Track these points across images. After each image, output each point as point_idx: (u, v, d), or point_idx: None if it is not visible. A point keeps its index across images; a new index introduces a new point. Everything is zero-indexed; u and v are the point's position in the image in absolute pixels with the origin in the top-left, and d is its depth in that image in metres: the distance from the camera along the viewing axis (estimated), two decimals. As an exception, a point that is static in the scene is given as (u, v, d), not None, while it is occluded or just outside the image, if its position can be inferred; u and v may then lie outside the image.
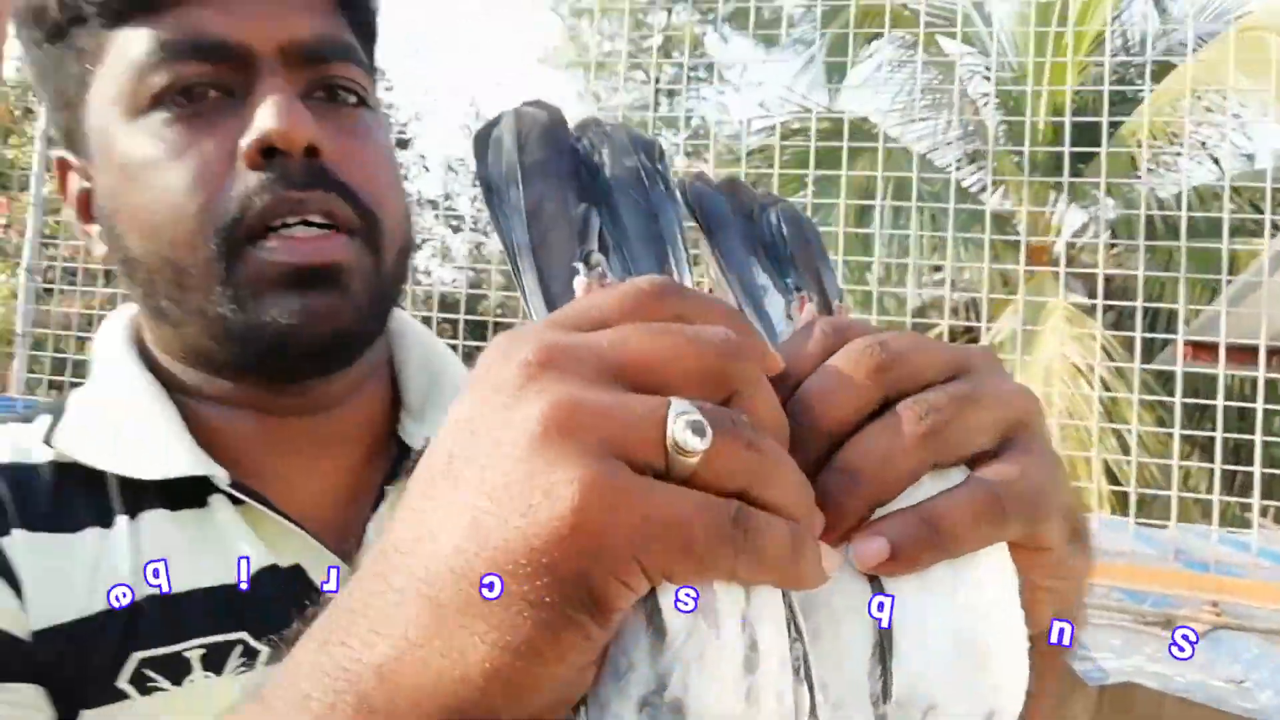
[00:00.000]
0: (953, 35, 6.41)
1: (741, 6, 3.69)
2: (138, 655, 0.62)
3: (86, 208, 0.72)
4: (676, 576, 0.32)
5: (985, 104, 6.92)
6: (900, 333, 0.40)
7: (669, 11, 6.02)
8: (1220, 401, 1.97)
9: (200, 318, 0.67)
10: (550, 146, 0.46)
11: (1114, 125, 5.60)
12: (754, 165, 5.46)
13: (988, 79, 7.05)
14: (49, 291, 3.66)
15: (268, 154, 0.64)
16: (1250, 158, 7.81)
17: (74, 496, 0.67)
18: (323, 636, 0.35)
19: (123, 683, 0.62)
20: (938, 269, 5.89)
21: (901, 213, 4.51)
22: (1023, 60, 7.25)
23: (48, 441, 0.69)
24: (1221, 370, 1.96)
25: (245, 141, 0.64)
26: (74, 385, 2.95)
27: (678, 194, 0.48)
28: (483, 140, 0.46)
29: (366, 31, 0.75)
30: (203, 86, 0.66)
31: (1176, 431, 2.09)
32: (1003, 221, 7.12)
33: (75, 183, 0.73)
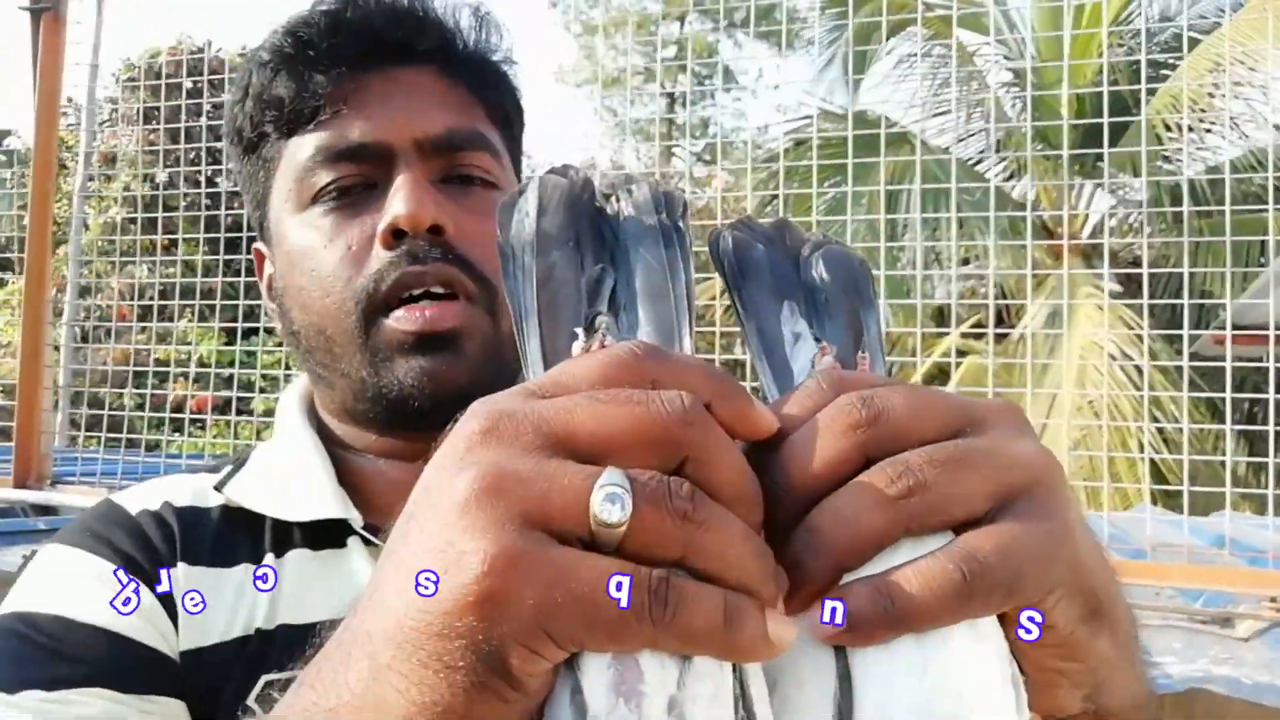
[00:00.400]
0: (970, 25, 6.35)
1: (756, 5, 3.68)
2: (265, 677, 0.71)
3: (271, 288, 0.86)
4: (589, 647, 0.33)
5: (1007, 92, 6.85)
6: (900, 385, 0.39)
7: (681, 21, 6.01)
8: (1272, 395, 1.92)
9: (346, 379, 0.79)
10: (570, 212, 0.46)
11: (1137, 105, 5.51)
12: (772, 171, 5.45)
13: (1008, 68, 6.98)
14: (85, 342, 3.73)
15: (398, 235, 0.75)
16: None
17: (235, 536, 0.77)
18: (300, 678, 0.38)
19: (251, 701, 0.70)
20: (966, 261, 5.84)
21: (927, 205, 4.49)
22: (1040, 40, 7.17)
23: (219, 488, 0.80)
24: (1273, 362, 1.90)
25: (380, 226, 0.76)
26: (114, 436, 2.96)
27: (691, 253, 0.48)
28: (507, 210, 0.47)
29: (504, 119, 0.86)
30: (351, 181, 0.78)
31: (1229, 427, 2.03)
32: (1028, 211, 7.04)
33: (266, 268, 0.87)
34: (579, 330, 0.43)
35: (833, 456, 0.37)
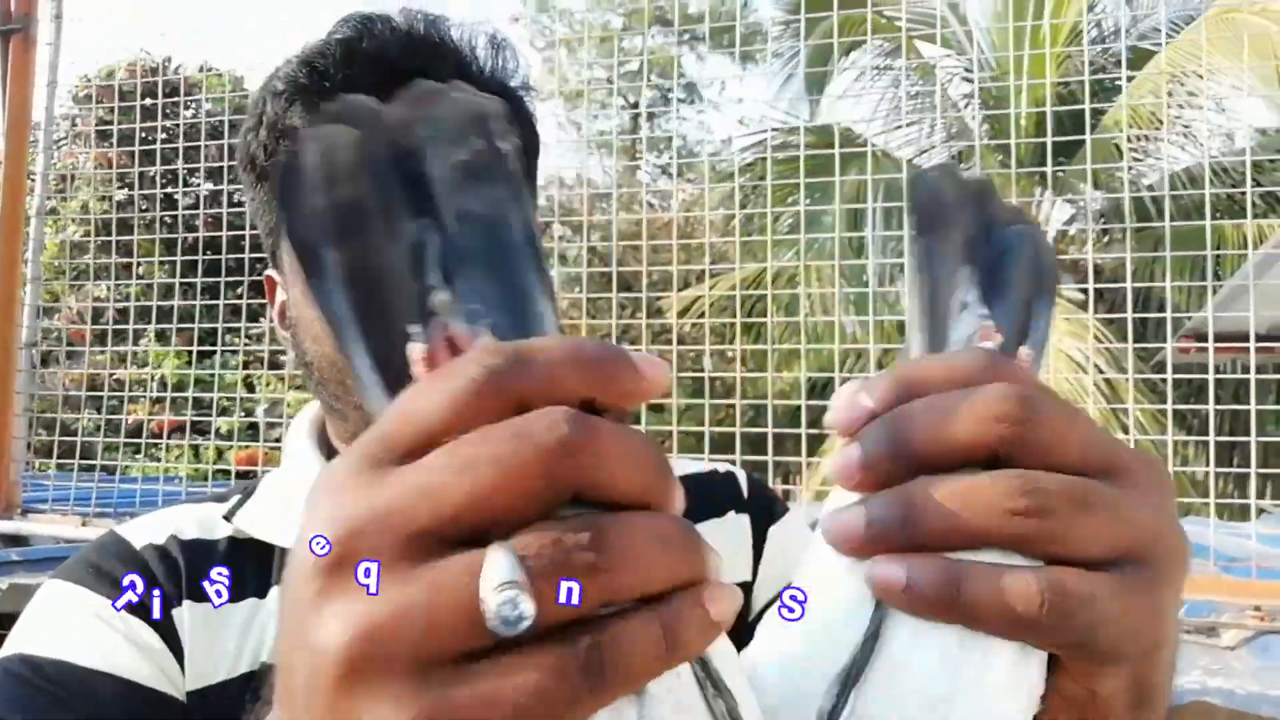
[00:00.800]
0: (931, 39, 6.43)
1: (717, 25, 3.71)
2: None
3: (284, 317, 0.86)
4: None
5: (967, 105, 6.95)
6: (1058, 399, 0.36)
7: (644, 36, 6.03)
8: (1253, 405, 1.95)
9: (359, 411, 0.78)
10: (368, 171, 0.35)
11: (1095, 117, 5.61)
12: (739, 184, 5.49)
13: (968, 80, 7.07)
14: (44, 364, 3.64)
15: None
16: (1230, 137, 7.83)
17: (243, 569, 0.76)
18: None
19: None
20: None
21: (893, 220, 4.54)
22: (1000, 56, 7.29)
23: (228, 518, 0.79)
24: (1254, 373, 1.94)
25: None
26: (77, 461, 2.89)
27: (524, 184, 0.38)
28: (290, 184, 0.35)
29: (524, 149, 0.85)
30: None
31: (1212, 438, 2.07)
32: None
33: (278, 296, 0.87)
34: (414, 327, 0.35)
35: (968, 438, 0.34)
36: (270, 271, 0.89)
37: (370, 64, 0.79)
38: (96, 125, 4.12)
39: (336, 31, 0.81)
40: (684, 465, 0.89)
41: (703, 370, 3.73)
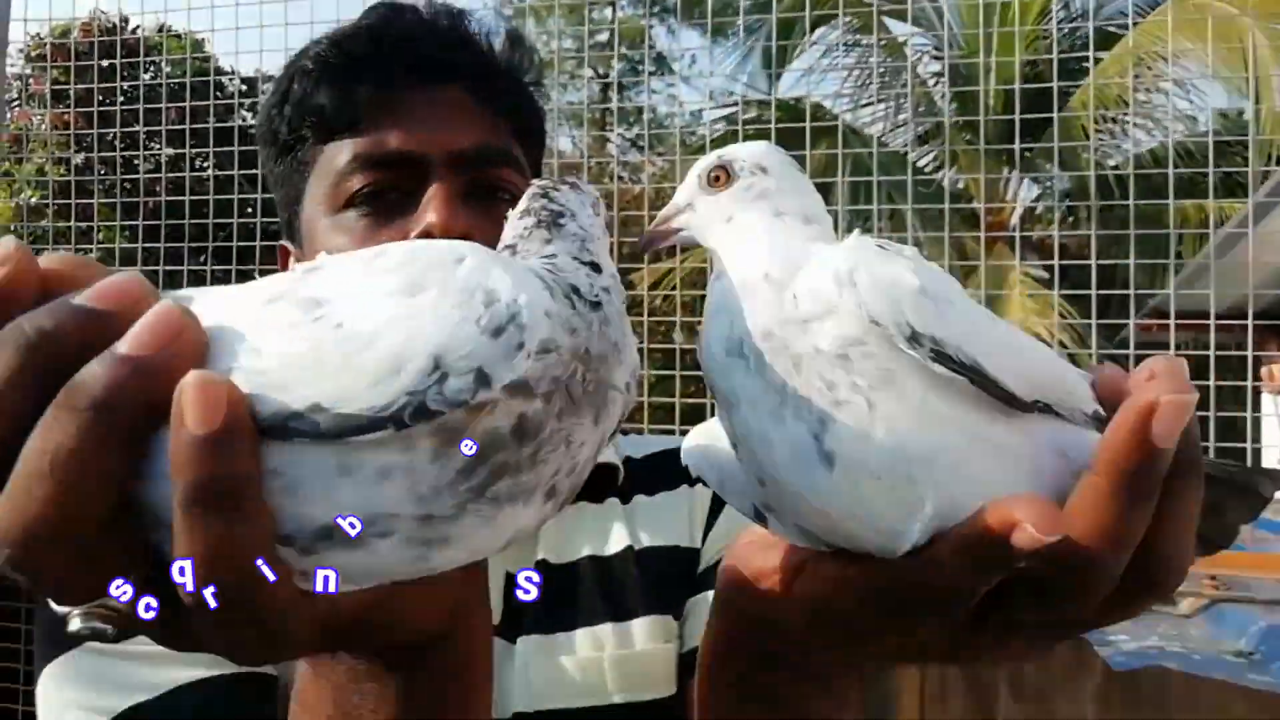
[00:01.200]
0: (901, 16, 6.42)
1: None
2: None
3: None
4: None
5: (936, 83, 6.97)
6: None
7: (613, 6, 5.97)
8: (1212, 382, 1.98)
9: None
10: None
11: (1062, 97, 5.65)
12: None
13: (937, 57, 7.09)
14: None
15: None
16: (1193, 119, 7.90)
17: None
18: None
19: None
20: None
21: (860, 195, 4.55)
22: (969, 34, 7.30)
23: None
24: (1214, 350, 1.96)
25: (414, 233, 0.78)
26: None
27: None
28: None
29: (528, 134, 0.90)
30: (386, 189, 0.81)
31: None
32: (960, 203, 7.17)
33: (291, 265, 0.87)
34: None
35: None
36: (285, 242, 0.92)
37: (397, 50, 0.84)
38: (52, 86, 4.01)
39: (365, 18, 0.87)
40: (677, 442, 0.96)
41: (674, 343, 3.73)
